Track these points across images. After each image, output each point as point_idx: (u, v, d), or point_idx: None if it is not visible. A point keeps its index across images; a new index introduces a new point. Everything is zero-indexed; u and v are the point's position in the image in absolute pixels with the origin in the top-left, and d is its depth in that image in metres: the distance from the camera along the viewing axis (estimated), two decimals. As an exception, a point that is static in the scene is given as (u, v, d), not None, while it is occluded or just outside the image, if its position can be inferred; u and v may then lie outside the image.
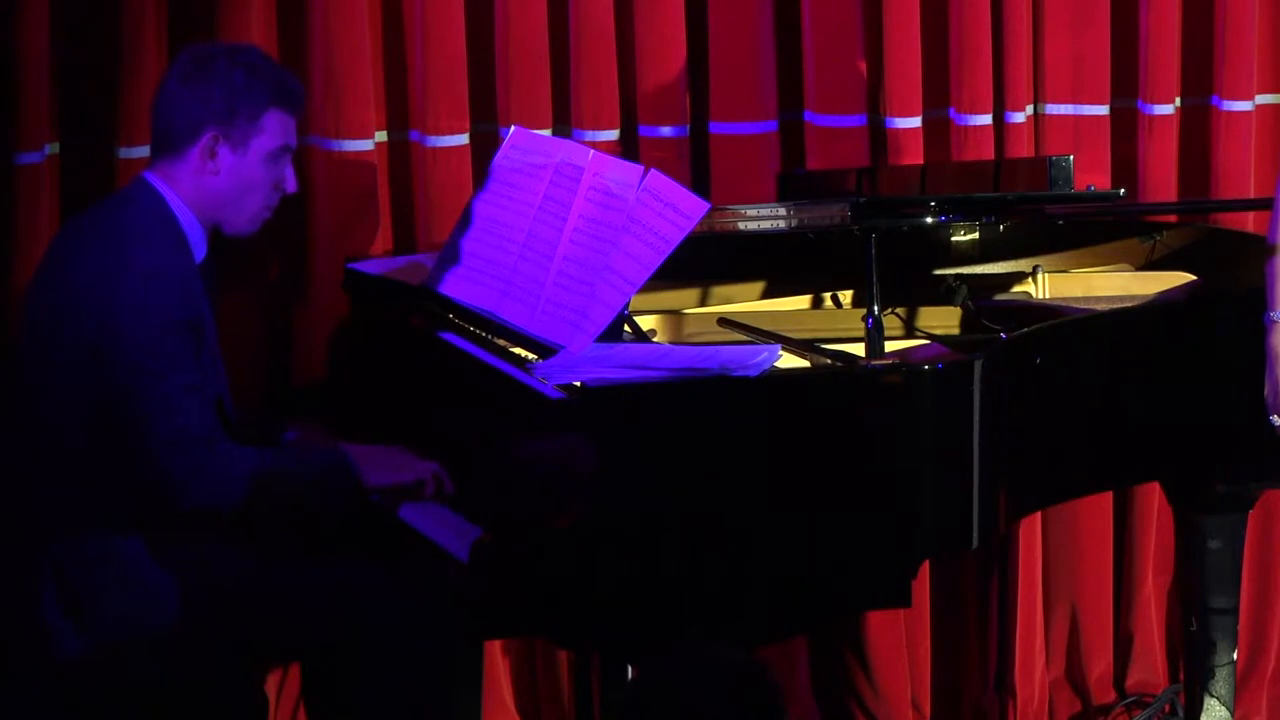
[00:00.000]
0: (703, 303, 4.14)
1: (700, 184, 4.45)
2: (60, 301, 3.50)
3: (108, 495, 3.47)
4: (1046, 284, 4.23)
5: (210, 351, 3.55)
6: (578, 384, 3.41)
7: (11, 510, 3.53)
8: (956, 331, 3.97)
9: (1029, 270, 4.26)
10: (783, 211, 3.97)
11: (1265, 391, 3.71)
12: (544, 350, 3.60)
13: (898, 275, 4.12)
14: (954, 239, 4.25)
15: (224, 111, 3.56)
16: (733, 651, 3.16)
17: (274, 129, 3.61)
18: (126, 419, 3.43)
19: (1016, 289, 4.22)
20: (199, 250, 3.59)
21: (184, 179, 3.58)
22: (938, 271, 4.17)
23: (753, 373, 3.34)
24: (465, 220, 3.83)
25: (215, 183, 3.58)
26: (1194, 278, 4.20)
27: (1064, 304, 4.13)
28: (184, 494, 3.43)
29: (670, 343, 3.95)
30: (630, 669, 3.62)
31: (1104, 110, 4.62)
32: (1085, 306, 4.08)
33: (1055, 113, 4.60)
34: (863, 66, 4.48)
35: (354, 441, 3.74)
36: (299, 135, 4.14)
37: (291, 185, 3.66)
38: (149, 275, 3.45)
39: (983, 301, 4.06)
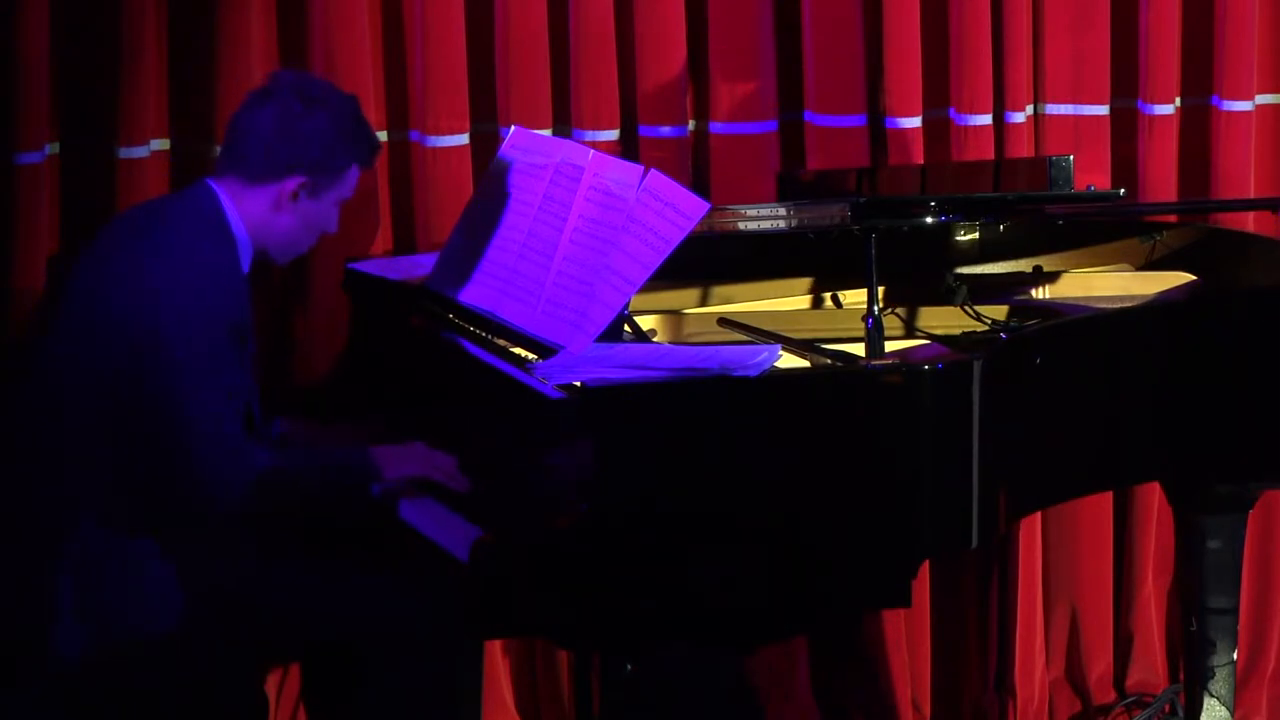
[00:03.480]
0: (703, 303, 4.14)
1: (700, 184, 4.45)
2: (107, 301, 3.49)
3: (117, 495, 3.46)
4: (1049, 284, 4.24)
5: (250, 356, 3.57)
6: (578, 384, 3.41)
7: (18, 509, 3.53)
8: (956, 332, 3.97)
9: (1029, 270, 4.26)
10: (783, 211, 3.97)
11: None
12: (544, 350, 3.60)
13: (898, 275, 4.12)
14: (954, 239, 4.25)
15: (318, 163, 3.62)
16: (713, 662, 3.18)
17: (350, 183, 3.69)
18: (167, 419, 3.42)
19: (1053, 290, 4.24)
20: (245, 262, 3.61)
21: (254, 206, 3.61)
22: (937, 271, 4.17)
23: (753, 373, 3.34)
24: (465, 220, 3.83)
25: (285, 220, 3.63)
26: (1194, 278, 4.20)
27: (1064, 304, 4.13)
28: (217, 495, 3.43)
29: (670, 343, 3.95)
30: (630, 669, 3.62)
31: (1104, 110, 4.62)
32: (1085, 306, 4.09)
33: (1055, 113, 4.60)
34: (863, 66, 4.48)
35: (353, 441, 3.75)
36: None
37: (334, 227, 3.73)
38: (202, 280, 3.48)
39: (987, 301, 4.06)
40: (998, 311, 4.02)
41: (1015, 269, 4.28)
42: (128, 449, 3.45)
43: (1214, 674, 4.26)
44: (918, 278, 4.15)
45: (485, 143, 4.31)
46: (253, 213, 3.62)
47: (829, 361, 3.57)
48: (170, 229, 3.55)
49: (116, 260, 3.53)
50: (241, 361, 3.52)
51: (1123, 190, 4.05)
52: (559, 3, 4.36)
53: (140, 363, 3.43)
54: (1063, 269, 4.29)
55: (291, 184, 3.61)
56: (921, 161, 4.52)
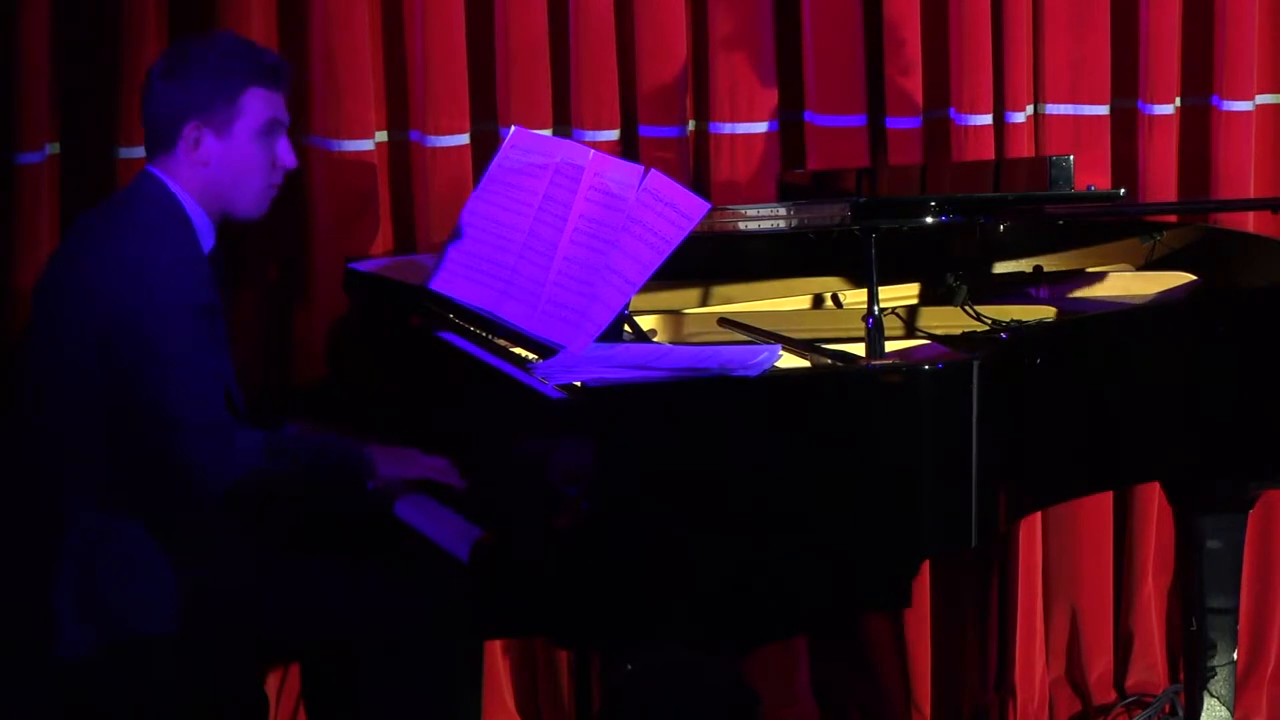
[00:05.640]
0: (703, 303, 4.14)
1: (700, 184, 4.45)
2: (73, 297, 3.49)
3: (113, 493, 3.46)
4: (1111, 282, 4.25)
5: (223, 339, 3.55)
6: (578, 384, 3.41)
7: (21, 506, 3.53)
8: (956, 332, 3.97)
9: (1029, 270, 4.26)
10: (783, 211, 3.97)
11: None
12: (544, 350, 3.61)
13: (898, 275, 4.13)
14: (954, 239, 4.25)
15: (203, 100, 3.56)
16: (711, 662, 3.17)
17: (255, 108, 3.59)
18: (150, 407, 3.42)
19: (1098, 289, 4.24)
20: (206, 240, 3.59)
21: (183, 173, 3.58)
22: (938, 271, 4.17)
23: (753, 373, 3.34)
24: (465, 220, 3.83)
25: (207, 172, 3.57)
26: (1194, 278, 4.20)
27: (1063, 303, 4.13)
28: (207, 479, 3.42)
29: (670, 343, 3.95)
30: (629, 669, 3.62)
31: (1104, 110, 4.62)
32: (1085, 306, 4.09)
33: (1055, 113, 4.60)
34: (863, 66, 4.48)
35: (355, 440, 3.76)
36: (303, 133, 4.15)
37: (288, 159, 3.64)
38: (165, 265, 3.45)
39: (988, 302, 4.06)
40: (998, 311, 4.02)
41: (1015, 269, 4.28)
42: (119, 445, 3.45)
43: (1214, 674, 4.27)
44: (918, 277, 4.15)
45: (485, 143, 4.31)
46: (187, 180, 3.57)
47: (829, 361, 3.57)
48: (126, 223, 3.53)
49: (77, 263, 3.51)
50: (215, 343, 3.50)
51: (1123, 190, 4.05)
52: (559, 3, 4.36)
53: (118, 359, 3.42)
54: (1063, 269, 4.29)
55: (189, 133, 3.56)
56: (921, 161, 4.52)
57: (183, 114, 3.56)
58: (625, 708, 3.36)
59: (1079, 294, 4.23)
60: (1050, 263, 4.28)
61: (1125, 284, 4.24)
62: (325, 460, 3.58)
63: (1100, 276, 4.27)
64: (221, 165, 3.57)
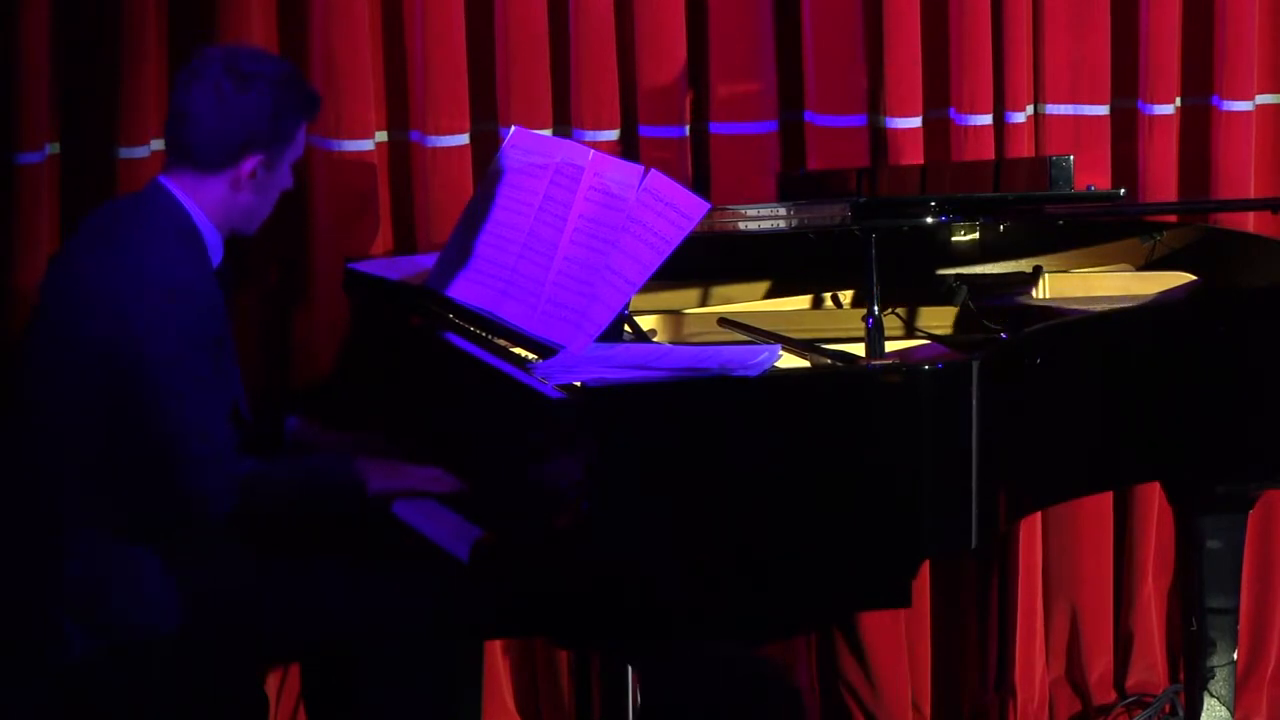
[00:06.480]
0: (703, 303, 4.14)
1: (700, 184, 4.45)
2: (75, 308, 3.47)
3: (115, 497, 3.46)
4: (1046, 284, 4.23)
5: (230, 358, 3.54)
6: (578, 384, 3.41)
7: (21, 510, 3.53)
8: (956, 332, 3.97)
9: (1029, 270, 4.26)
10: (783, 211, 3.97)
11: None
12: (544, 350, 3.60)
13: (898, 275, 4.13)
14: (954, 239, 4.25)
15: (267, 135, 3.54)
16: (750, 656, 3.16)
17: (301, 140, 3.62)
18: (153, 435, 3.41)
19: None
20: (216, 254, 3.58)
21: (212, 194, 3.55)
22: (938, 271, 4.17)
23: (753, 373, 3.34)
24: (465, 220, 3.83)
25: (246, 198, 3.57)
26: (1194, 278, 4.20)
27: (1064, 304, 4.13)
28: (210, 508, 3.43)
29: (670, 343, 3.95)
30: (630, 669, 3.62)
31: (1104, 110, 4.62)
32: (1085, 306, 4.09)
33: (1055, 113, 4.60)
34: (863, 66, 4.48)
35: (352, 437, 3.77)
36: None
37: (290, 182, 3.66)
38: (171, 292, 3.43)
39: (987, 302, 4.06)
40: (998, 312, 4.02)
41: (1015, 269, 4.28)
42: (118, 446, 3.45)
43: (1214, 674, 4.26)
44: (918, 278, 4.15)
45: (485, 143, 4.32)
46: (212, 200, 3.55)
47: (829, 361, 3.57)
48: (132, 240, 3.50)
49: (84, 275, 3.49)
50: (220, 365, 3.49)
51: (1123, 190, 4.05)
52: (559, 3, 4.36)
53: (118, 359, 3.41)
54: (1063, 269, 4.29)
55: (248, 165, 3.54)
56: (921, 161, 4.52)
57: (245, 146, 3.53)
58: (660, 708, 3.36)
59: (1079, 294, 4.23)
60: (1050, 263, 4.28)
61: (1125, 284, 4.24)
62: (319, 483, 3.59)
63: (1100, 276, 4.27)
64: (259, 194, 3.58)
